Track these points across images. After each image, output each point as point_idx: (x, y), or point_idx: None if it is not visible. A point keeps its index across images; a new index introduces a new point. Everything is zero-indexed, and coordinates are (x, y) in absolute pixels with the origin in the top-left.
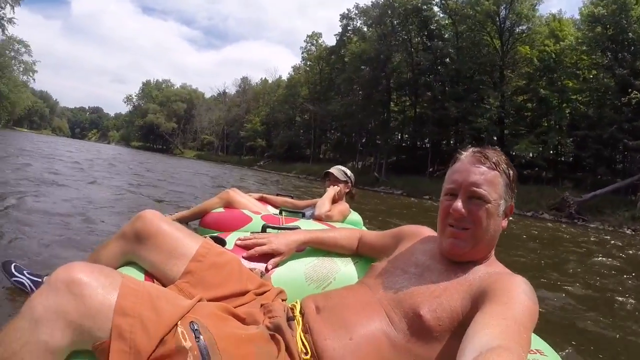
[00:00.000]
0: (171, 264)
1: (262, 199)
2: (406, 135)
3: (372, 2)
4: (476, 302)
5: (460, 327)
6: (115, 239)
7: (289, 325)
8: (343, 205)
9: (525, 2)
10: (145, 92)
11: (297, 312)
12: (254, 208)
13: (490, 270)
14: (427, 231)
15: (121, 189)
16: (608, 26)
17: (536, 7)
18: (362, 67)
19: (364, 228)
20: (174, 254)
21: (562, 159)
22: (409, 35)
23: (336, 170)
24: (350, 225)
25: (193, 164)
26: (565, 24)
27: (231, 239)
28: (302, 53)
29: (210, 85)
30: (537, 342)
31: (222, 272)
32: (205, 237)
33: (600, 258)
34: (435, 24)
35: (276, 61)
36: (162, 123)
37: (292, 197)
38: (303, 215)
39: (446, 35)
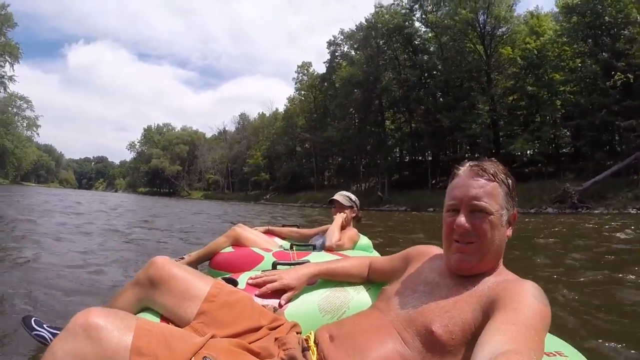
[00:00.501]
0: (185, 306)
1: (268, 232)
2: (405, 152)
3: (356, 25)
4: (487, 312)
5: (473, 338)
6: (130, 286)
7: (305, 356)
8: (352, 231)
9: (502, 5)
10: (147, 138)
11: (311, 343)
12: (263, 244)
13: (499, 279)
14: (434, 250)
15: (132, 236)
16: (584, 14)
17: (513, 8)
18: (354, 90)
19: (374, 251)
20: (187, 296)
21: (563, 150)
22: (395, 54)
23: (340, 196)
24: (361, 251)
25: (200, 204)
26: (544, 19)
27: (243, 278)
28: (295, 84)
29: (211, 124)
30: (556, 344)
31: (235, 310)
32: (217, 278)
33: (605, 243)
34: (419, 39)
35: (272, 93)
36: (166, 167)
37: (298, 227)
38: (314, 248)
39: (431, 49)
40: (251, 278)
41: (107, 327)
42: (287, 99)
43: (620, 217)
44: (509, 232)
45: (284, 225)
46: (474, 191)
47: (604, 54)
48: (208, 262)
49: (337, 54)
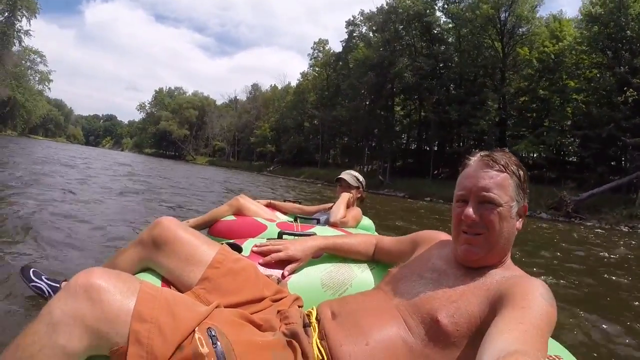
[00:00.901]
0: (188, 271)
1: (270, 205)
2: (411, 139)
3: (377, 8)
4: (494, 307)
5: (478, 332)
6: (133, 245)
7: (306, 332)
8: (356, 211)
9: (526, 4)
10: (158, 100)
11: (313, 319)
12: (265, 215)
13: (508, 274)
14: (443, 236)
15: (137, 196)
16: (607, 25)
17: (536, 9)
18: (367, 72)
19: (375, 233)
20: (191, 260)
21: (570, 159)
22: (413, 40)
23: (348, 175)
24: (363, 231)
25: (205, 170)
26: (566, 25)
27: (247, 245)
28: (310, 60)
29: (223, 92)
30: (556, 348)
31: (239, 278)
32: (222, 243)
33: (589, 254)
34: (439, 28)
35: (288, 67)
36: (174, 130)
37: (299, 203)
38: (318, 222)
39: (450, 39)
40: (256, 246)
41: (110, 290)
42: (301, 74)
43: (611, 232)
44: (519, 224)
45: (285, 200)
46: (483, 182)
47: (621, 68)
48: (207, 230)
49: (354, 34)
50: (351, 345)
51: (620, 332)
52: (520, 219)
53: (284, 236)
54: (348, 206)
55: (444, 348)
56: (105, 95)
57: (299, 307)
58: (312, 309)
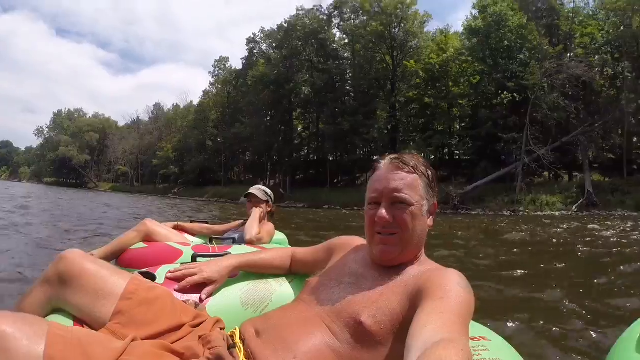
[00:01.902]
0: (100, 305)
1: (177, 228)
2: (310, 152)
3: (277, 25)
4: (414, 301)
5: (402, 328)
6: (39, 284)
7: (231, 354)
8: (269, 225)
9: (415, 21)
10: (57, 123)
11: (237, 339)
12: (176, 239)
13: (423, 268)
14: (357, 241)
15: (39, 230)
16: (488, 36)
17: (424, 25)
18: (265, 89)
19: (289, 247)
20: (102, 294)
21: (457, 157)
22: (310, 56)
23: (257, 190)
24: (278, 245)
25: (108, 197)
26: (451, 38)
27: (161, 272)
28: (211, 77)
29: (126, 112)
30: (480, 329)
31: (154, 307)
32: (134, 272)
33: (471, 238)
34: (335, 45)
35: (194, 84)
36: (74, 156)
37: (207, 223)
38: (234, 241)
39: (346, 54)
40: (170, 272)
41: (16, 335)
42: (203, 92)
43: (495, 218)
44: (430, 221)
45: (192, 221)
46: (394, 183)
47: (497, 74)
48: (115, 260)
49: (255, 51)
50: None
51: (530, 300)
52: (431, 217)
53: (198, 259)
54: (260, 221)
55: (371, 348)
56: (0, 119)
57: (221, 329)
58: (235, 329)
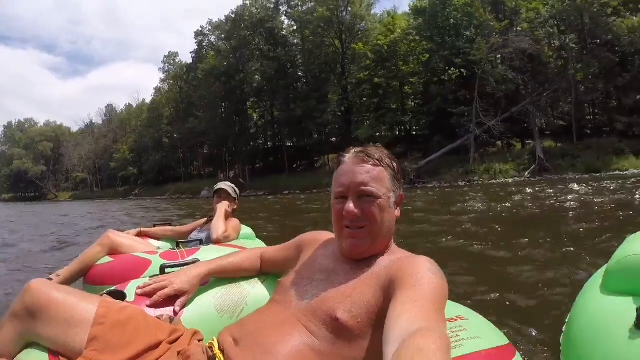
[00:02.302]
0: (73, 334)
1: (141, 234)
2: (267, 139)
3: (225, 16)
4: (387, 292)
5: (379, 319)
6: (8, 320)
7: None
8: (234, 221)
9: (362, 4)
10: (8, 136)
11: (216, 350)
12: (142, 248)
13: (393, 257)
14: (325, 235)
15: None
16: (435, 16)
17: (372, 7)
18: (216, 81)
19: (257, 240)
20: (73, 322)
21: (414, 133)
22: (259, 46)
23: (228, 187)
24: (245, 240)
25: (68, 206)
26: (399, 18)
27: (130, 289)
28: (162, 74)
29: (79, 116)
30: (456, 309)
31: (128, 328)
32: (102, 294)
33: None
34: (284, 32)
35: (146, 81)
36: (30, 168)
37: (170, 224)
38: (201, 243)
39: (295, 41)
40: (139, 287)
41: None
42: (155, 89)
43: (449, 189)
44: (397, 212)
45: (155, 225)
46: (360, 177)
47: (445, 52)
48: (83, 279)
49: (204, 44)
50: None
51: (500, 272)
52: (398, 208)
53: (167, 270)
54: (226, 218)
55: (350, 342)
56: None
57: (200, 341)
58: (213, 339)
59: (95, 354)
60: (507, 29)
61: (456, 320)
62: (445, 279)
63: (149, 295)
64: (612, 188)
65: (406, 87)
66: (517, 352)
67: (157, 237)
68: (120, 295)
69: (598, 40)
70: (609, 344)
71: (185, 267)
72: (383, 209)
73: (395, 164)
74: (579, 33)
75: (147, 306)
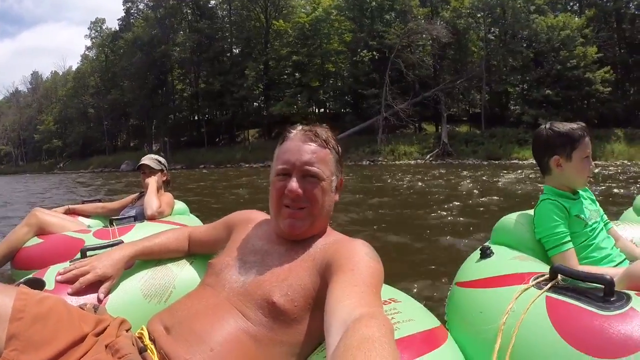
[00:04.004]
0: None
1: (69, 212)
2: (188, 113)
3: None
4: (324, 275)
5: (316, 302)
6: None
7: (144, 358)
8: (167, 196)
9: None
10: None
11: (146, 340)
12: (73, 226)
13: (330, 240)
14: (257, 215)
15: None
16: None
17: None
18: (139, 51)
19: (191, 215)
20: None
21: (328, 111)
22: (185, 16)
23: (150, 160)
24: (180, 216)
25: None
26: None
27: (49, 275)
28: (90, 40)
29: (2, 84)
30: (388, 291)
31: (50, 322)
32: (18, 284)
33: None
34: (214, 1)
35: (77, 46)
36: None
37: (100, 201)
38: (135, 219)
39: (224, 13)
40: (59, 273)
41: None
42: (81, 56)
43: (354, 167)
44: (337, 197)
45: (84, 202)
46: (307, 156)
47: (362, 34)
48: (10, 263)
49: (132, 11)
50: (196, 356)
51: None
52: (338, 192)
53: (88, 253)
54: (157, 192)
55: (287, 327)
56: None
57: (128, 330)
58: (143, 328)
59: (15, 354)
60: (428, 16)
61: (390, 303)
62: (381, 262)
63: (70, 282)
64: (499, 174)
65: (328, 66)
66: (449, 334)
67: (87, 215)
68: (38, 284)
69: (518, 35)
70: (464, 270)
71: (109, 249)
72: (325, 191)
73: (339, 148)
74: (499, 27)
75: (69, 294)
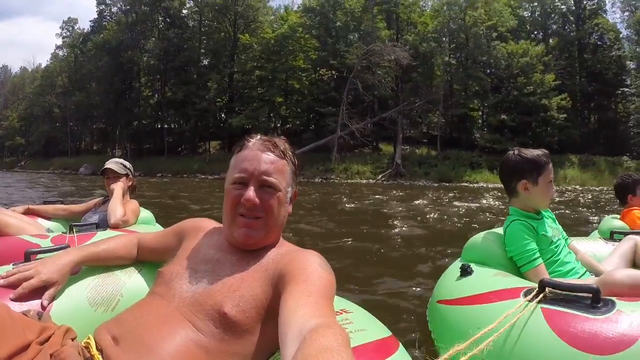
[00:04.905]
0: None
1: (29, 212)
2: (152, 121)
3: None
4: (277, 286)
5: (268, 313)
6: None
7: None
8: (133, 204)
9: None
10: None
11: (93, 350)
12: (31, 229)
13: (282, 250)
14: (208, 223)
15: None
16: (325, 15)
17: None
18: (106, 56)
19: (157, 225)
20: None
21: (288, 127)
22: (155, 23)
23: (114, 164)
24: (145, 225)
25: None
26: (292, 14)
27: None
28: (61, 39)
29: None
30: (339, 302)
31: None
32: None
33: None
34: (187, 10)
35: (51, 43)
36: None
37: (62, 203)
38: (97, 227)
39: (193, 24)
40: (1, 277)
41: None
42: (52, 54)
43: (305, 184)
44: (290, 208)
45: (45, 202)
46: (265, 166)
47: (324, 53)
48: None
49: (105, 13)
50: None
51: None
52: (291, 204)
53: (33, 256)
54: (123, 198)
55: (239, 338)
56: None
57: (73, 339)
58: (89, 338)
59: None
60: (391, 39)
61: (341, 313)
62: (333, 274)
63: (12, 286)
64: (447, 195)
65: (293, 82)
66: (400, 344)
67: (47, 217)
68: None
69: (479, 61)
70: (445, 288)
71: (54, 253)
72: (281, 202)
73: (296, 160)
74: (461, 52)
75: (11, 299)
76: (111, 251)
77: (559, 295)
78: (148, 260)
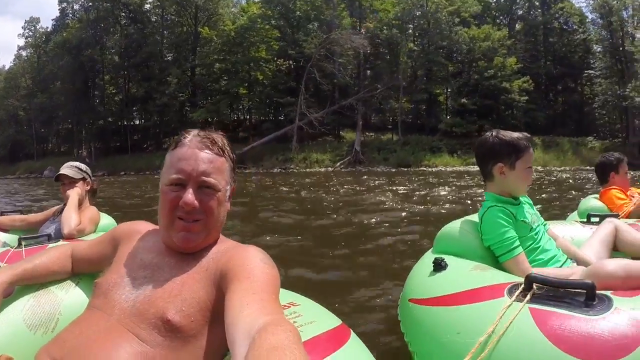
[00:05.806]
0: None
1: None
2: (116, 118)
3: None
4: (219, 285)
5: (214, 314)
6: None
7: None
8: (91, 211)
9: None
10: None
11: None
12: None
13: (221, 248)
14: (143, 225)
15: None
16: (285, 5)
17: None
18: (67, 55)
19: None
20: None
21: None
22: (117, 20)
23: (68, 169)
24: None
25: None
26: (252, 6)
27: None
28: (24, 40)
29: None
30: (287, 296)
31: None
32: None
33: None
34: (149, 5)
35: (20, 41)
36: None
37: (21, 212)
38: (49, 239)
39: (154, 19)
40: None
41: None
42: (15, 55)
43: (265, 175)
44: (229, 205)
45: (2, 213)
46: (203, 166)
47: (283, 43)
48: None
49: (67, 12)
50: None
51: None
52: (230, 200)
53: None
54: (79, 205)
55: (186, 344)
56: None
57: None
58: None
59: None
60: (353, 26)
61: (289, 307)
62: (276, 267)
63: None
64: (403, 180)
65: (256, 74)
66: (351, 331)
67: (4, 229)
68: None
69: (440, 47)
70: (418, 285)
71: None
72: (220, 202)
73: (234, 156)
74: (422, 38)
75: None
76: (44, 266)
77: (549, 292)
78: (84, 271)
